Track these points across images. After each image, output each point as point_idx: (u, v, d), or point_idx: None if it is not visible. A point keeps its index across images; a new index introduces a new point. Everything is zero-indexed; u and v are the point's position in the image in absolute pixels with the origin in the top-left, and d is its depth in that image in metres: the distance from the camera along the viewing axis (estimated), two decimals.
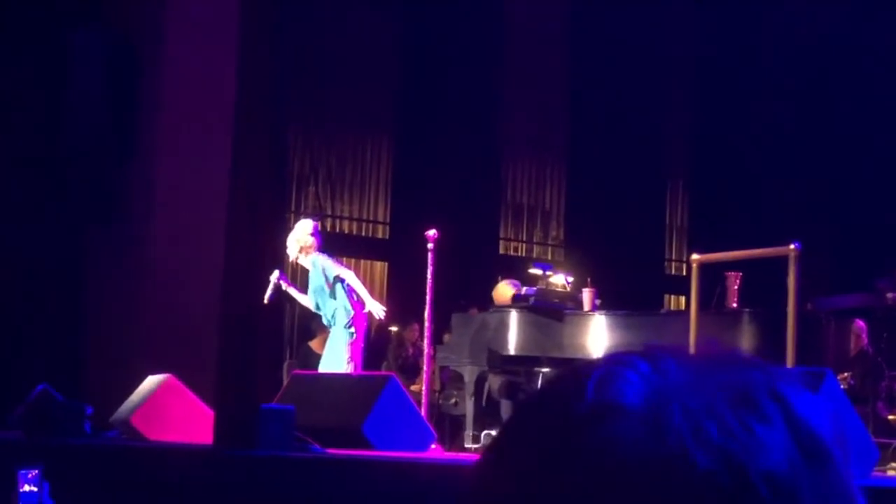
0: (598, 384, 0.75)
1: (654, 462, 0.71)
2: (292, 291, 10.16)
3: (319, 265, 10.04)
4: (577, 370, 0.78)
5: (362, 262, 16.52)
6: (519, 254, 17.34)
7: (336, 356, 9.88)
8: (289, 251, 10.10)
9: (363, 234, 16.49)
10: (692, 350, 0.79)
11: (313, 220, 10.75)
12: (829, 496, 0.74)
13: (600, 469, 0.72)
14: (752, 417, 0.73)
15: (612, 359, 0.77)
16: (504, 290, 11.22)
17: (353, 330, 9.91)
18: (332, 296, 9.97)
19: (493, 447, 0.78)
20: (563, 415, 0.74)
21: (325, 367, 9.95)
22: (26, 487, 3.83)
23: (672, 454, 0.71)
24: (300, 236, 10.09)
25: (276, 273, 9.87)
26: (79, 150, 11.32)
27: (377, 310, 10.00)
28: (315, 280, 10.03)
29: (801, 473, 0.73)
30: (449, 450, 10.36)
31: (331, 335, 10.06)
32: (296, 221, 15.80)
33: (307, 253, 10.05)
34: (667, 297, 17.84)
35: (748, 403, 0.74)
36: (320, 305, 10.05)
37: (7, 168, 11.50)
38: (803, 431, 0.74)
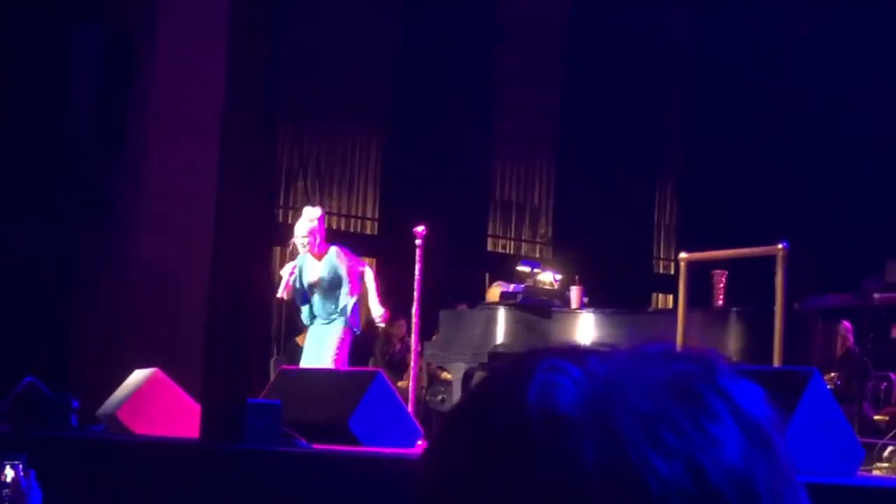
0: (538, 396, 0.73)
1: (615, 474, 0.70)
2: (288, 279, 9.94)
3: (335, 254, 9.88)
4: (509, 375, 0.76)
5: None
6: (507, 251, 17.35)
7: (327, 349, 9.75)
8: (301, 241, 9.81)
9: (351, 230, 16.49)
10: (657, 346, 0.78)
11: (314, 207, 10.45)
12: (779, 481, 0.74)
13: (562, 487, 0.71)
14: (703, 415, 0.73)
15: (540, 364, 0.75)
16: (493, 293, 11.25)
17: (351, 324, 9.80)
18: (342, 287, 9.81)
19: (433, 459, 0.77)
20: (509, 430, 0.73)
21: (311, 358, 9.80)
22: (9, 477, 3.82)
23: (632, 464, 0.70)
24: (314, 225, 9.86)
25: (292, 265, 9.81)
26: (72, 146, 11.31)
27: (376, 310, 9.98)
28: (329, 270, 9.86)
29: (755, 465, 0.73)
30: None
31: (328, 327, 9.94)
32: (284, 217, 15.85)
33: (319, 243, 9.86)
34: (654, 295, 17.85)
35: (695, 401, 0.74)
36: (324, 296, 9.84)
37: (0, 163, 11.49)
38: (749, 423, 0.74)
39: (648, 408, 0.72)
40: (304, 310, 9.99)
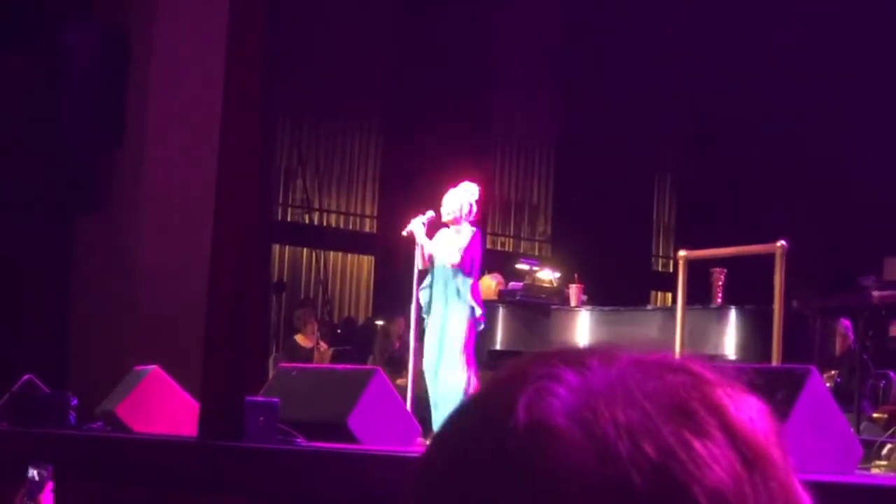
0: (528, 404, 0.72)
1: (595, 488, 0.69)
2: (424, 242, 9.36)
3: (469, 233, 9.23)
4: (504, 384, 0.75)
5: (349, 255, 16.52)
6: (506, 248, 17.35)
7: (457, 337, 9.15)
8: (447, 210, 9.21)
9: (350, 227, 16.50)
10: (652, 348, 0.77)
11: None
12: (775, 500, 0.72)
13: (543, 496, 0.70)
14: (689, 431, 0.71)
15: (538, 371, 0.74)
16: (486, 284, 11.21)
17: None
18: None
19: (425, 463, 0.76)
20: (495, 440, 0.72)
21: (433, 348, 9.26)
22: (36, 482, 3.85)
23: (611, 478, 0.69)
24: (466, 201, 9.19)
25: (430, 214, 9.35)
26: (68, 141, 11.31)
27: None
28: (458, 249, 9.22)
29: (745, 485, 0.71)
30: None
31: (450, 312, 9.26)
32: (284, 214, 15.85)
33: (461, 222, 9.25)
34: (653, 293, 17.86)
35: (684, 415, 0.72)
36: (448, 276, 9.26)
37: None
38: (741, 440, 0.72)
39: (635, 420, 0.71)
40: (428, 291, 9.42)
